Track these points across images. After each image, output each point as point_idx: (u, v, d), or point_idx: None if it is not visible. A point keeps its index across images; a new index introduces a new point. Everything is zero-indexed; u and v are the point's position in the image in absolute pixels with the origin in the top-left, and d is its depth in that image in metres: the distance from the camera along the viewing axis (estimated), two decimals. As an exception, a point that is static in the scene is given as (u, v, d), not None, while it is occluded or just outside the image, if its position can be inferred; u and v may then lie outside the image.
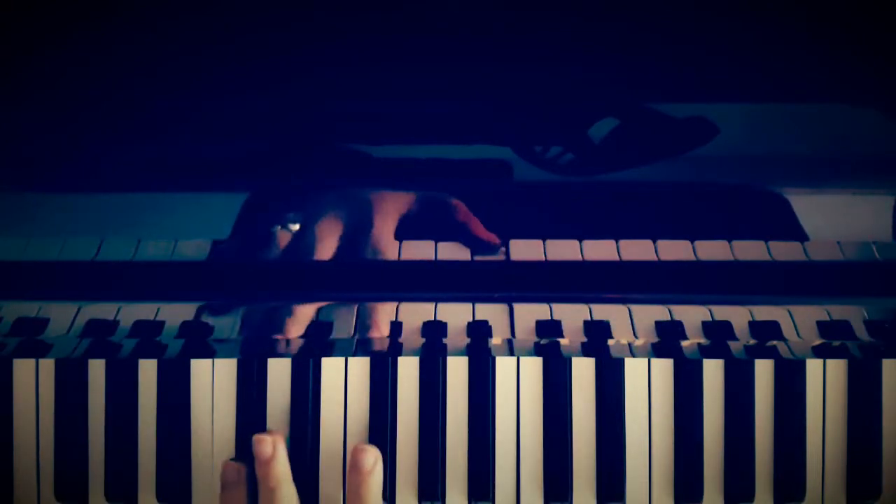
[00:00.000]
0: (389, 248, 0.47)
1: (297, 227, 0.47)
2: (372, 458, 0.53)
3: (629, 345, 0.55)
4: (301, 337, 0.53)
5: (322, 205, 0.47)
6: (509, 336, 0.53)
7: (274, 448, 0.53)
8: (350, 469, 0.54)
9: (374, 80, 0.47)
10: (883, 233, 0.48)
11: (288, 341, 0.54)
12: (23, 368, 0.57)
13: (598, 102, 0.47)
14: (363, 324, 0.52)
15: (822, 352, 0.55)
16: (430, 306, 0.51)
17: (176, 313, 0.51)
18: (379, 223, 0.47)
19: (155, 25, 0.47)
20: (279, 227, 0.47)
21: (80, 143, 0.47)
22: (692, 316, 0.51)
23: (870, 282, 0.49)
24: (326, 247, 0.48)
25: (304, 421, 0.57)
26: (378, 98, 0.47)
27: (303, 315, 0.51)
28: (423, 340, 0.54)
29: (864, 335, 0.52)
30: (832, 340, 0.53)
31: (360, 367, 0.58)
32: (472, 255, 0.48)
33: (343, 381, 0.58)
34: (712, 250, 0.48)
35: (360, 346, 0.55)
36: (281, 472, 0.53)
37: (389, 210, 0.47)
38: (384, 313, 0.51)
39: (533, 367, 0.58)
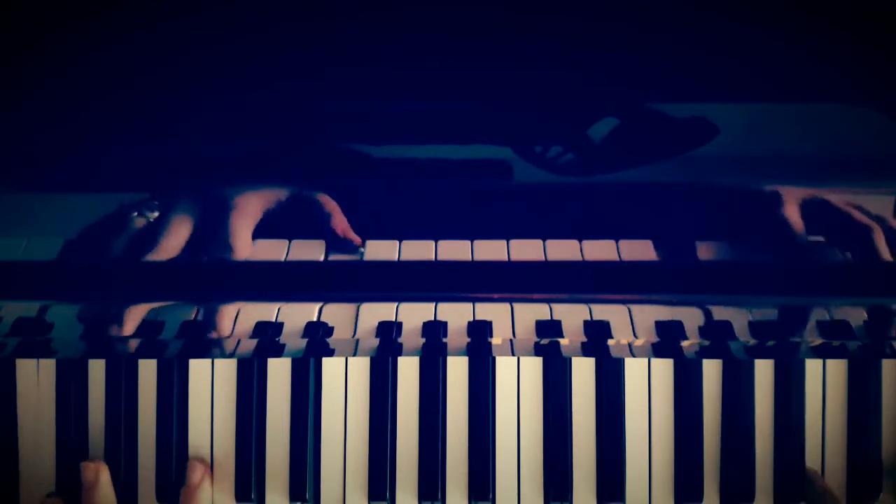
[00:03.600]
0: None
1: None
2: (199, 473, 0.56)
3: (629, 345, 0.55)
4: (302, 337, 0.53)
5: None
6: (510, 336, 0.53)
7: (97, 475, 0.55)
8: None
9: (374, 79, 0.47)
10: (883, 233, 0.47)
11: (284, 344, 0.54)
12: (23, 368, 0.57)
13: (598, 102, 0.47)
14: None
15: (822, 352, 0.55)
16: (430, 306, 0.51)
17: (176, 313, 0.51)
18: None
19: (155, 25, 0.47)
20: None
21: (80, 143, 0.47)
22: (692, 316, 0.51)
23: (870, 282, 0.49)
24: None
25: (304, 421, 0.57)
26: (377, 98, 0.47)
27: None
28: (423, 340, 0.54)
29: (864, 335, 0.52)
30: (832, 340, 0.53)
31: (360, 366, 0.58)
32: (473, 254, 0.48)
33: (343, 381, 0.58)
34: (712, 250, 0.48)
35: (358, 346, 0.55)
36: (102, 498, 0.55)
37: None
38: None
39: (533, 367, 0.58)
